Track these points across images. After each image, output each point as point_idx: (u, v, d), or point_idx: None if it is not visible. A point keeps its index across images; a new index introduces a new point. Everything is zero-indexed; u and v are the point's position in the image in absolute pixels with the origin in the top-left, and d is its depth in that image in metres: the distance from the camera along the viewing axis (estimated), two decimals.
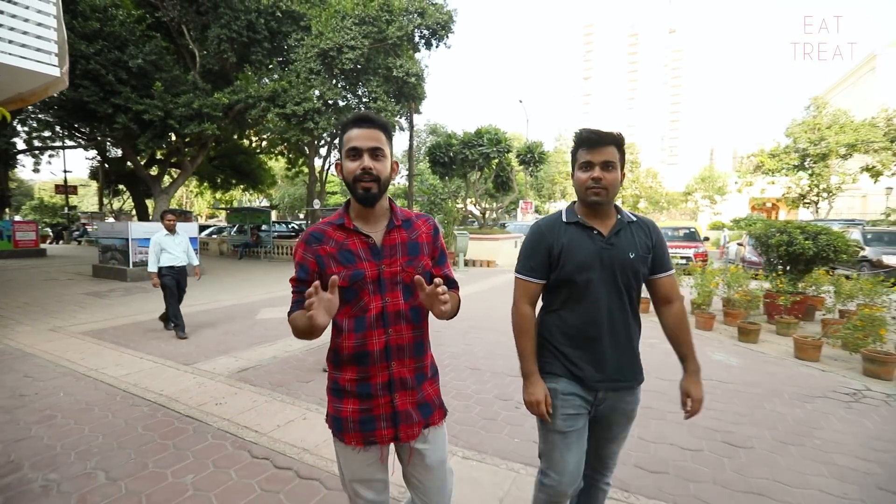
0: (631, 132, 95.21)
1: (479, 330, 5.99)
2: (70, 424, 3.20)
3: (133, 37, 10.97)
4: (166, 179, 16.41)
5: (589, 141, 1.44)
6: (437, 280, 1.19)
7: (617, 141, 1.46)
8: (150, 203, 19.94)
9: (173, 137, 11.56)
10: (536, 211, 34.44)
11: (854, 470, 2.65)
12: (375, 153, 1.27)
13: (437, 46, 11.74)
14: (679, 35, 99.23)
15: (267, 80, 11.93)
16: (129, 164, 17.86)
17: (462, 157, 16.34)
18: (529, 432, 3.08)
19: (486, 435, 3.06)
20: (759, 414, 3.43)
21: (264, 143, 22.14)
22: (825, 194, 25.69)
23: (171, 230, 5.67)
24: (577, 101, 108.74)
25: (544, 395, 1.49)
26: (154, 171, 16.65)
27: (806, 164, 25.47)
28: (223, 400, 3.64)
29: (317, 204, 16.23)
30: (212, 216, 50.54)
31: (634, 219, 1.57)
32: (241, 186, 26.92)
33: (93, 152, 21.50)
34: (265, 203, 40.87)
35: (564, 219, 1.55)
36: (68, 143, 17.83)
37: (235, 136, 16.40)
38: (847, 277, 6.63)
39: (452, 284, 1.47)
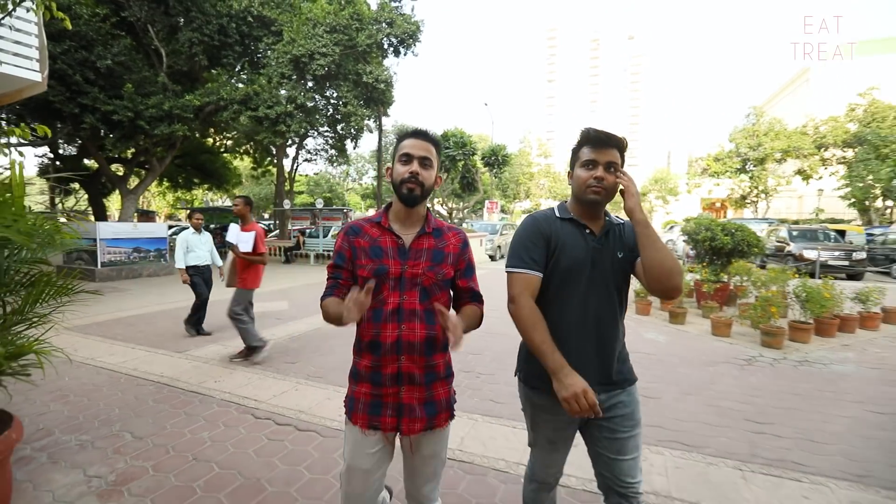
0: None
1: None
2: (84, 401, 3.61)
3: (99, 36, 10.96)
4: (133, 179, 16.18)
5: (596, 140, 1.44)
6: (446, 316, 1.29)
7: (622, 145, 1.46)
8: (111, 203, 19.45)
9: (142, 138, 11.57)
10: (502, 210, 35.46)
11: (732, 409, 3.47)
12: (424, 162, 1.41)
13: (405, 54, 12.33)
14: (638, 41, 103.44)
15: (239, 84, 12.13)
16: (85, 161, 17.45)
17: None
18: (486, 394, 3.75)
19: None
20: (672, 376, 4.24)
21: (229, 143, 21.93)
22: (763, 195, 27.86)
23: (199, 229, 5.75)
24: (541, 103, 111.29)
25: (584, 384, 1.34)
26: (119, 170, 16.37)
27: (747, 167, 27.57)
28: (220, 378, 4.12)
29: (287, 204, 16.42)
30: (171, 216, 48.99)
31: (622, 222, 1.59)
32: (205, 186, 26.51)
33: (43, 149, 20.70)
34: (228, 203, 40.09)
35: (558, 214, 1.54)
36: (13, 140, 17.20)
37: (198, 135, 16.32)
38: (763, 268, 7.71)
39: (476, 298, 1.56)
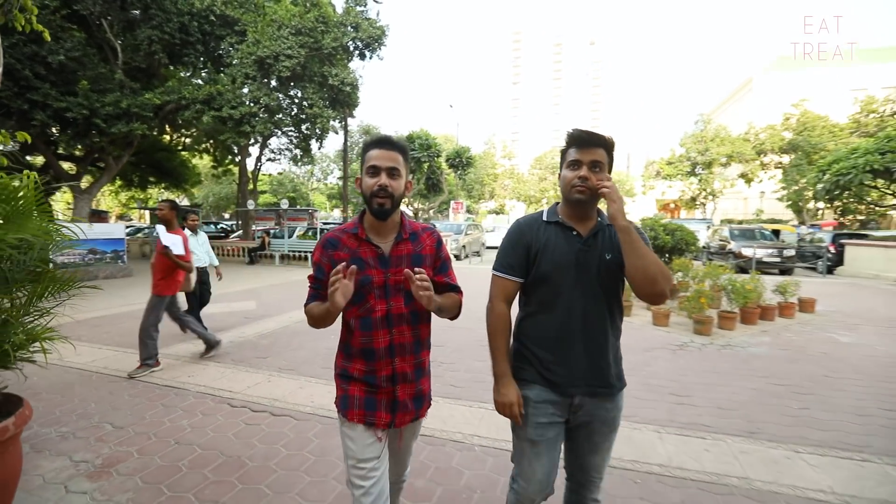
0: (556, 136, 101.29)
1: None
2: (57, 398, 3.72)
3: (49, 29, 10.58)
4: (85, 178, 15.55)
5: (580, 140, 1.45)
6: (416, 269, 1.37)
7: (607, 144, 1.46)
8: (57, 201, 18.56)
9: (97, 136, 11.23)
10: (468, 211, 36.05)
11: (660, 386, 3.99)
12: (392, 173, 1.41)
13: (370, 58, 12.55)
14: (599, 47, 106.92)
15: (200, 82, 11.97)
16: (28, 158, 16.61)
17: None
18: (447, 380, 4.12)
19: None
20: None
21: (188, 140, 21.33)
22: (711, 197, 29.68)
23: (194, 230, 5.62)
24: (506, 104, 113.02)
25: (517, 397, 1.48)
26: (72, 169, 15.70)
27: (696, 171, 29.31)
28: (194, 374, 4.29)
29: (251, 204, 16.26)
30: (122, 216, 46.79)
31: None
32: (162, 185, 25.61)
33: None
34: (186, 202, 38.74)
35: (545, 218, 1.56)
36: None
37: (156, 133, 15.86)
38: (698, 263, 8.48)
39: (454, 289, 1.59)
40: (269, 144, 19.95)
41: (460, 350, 5.01)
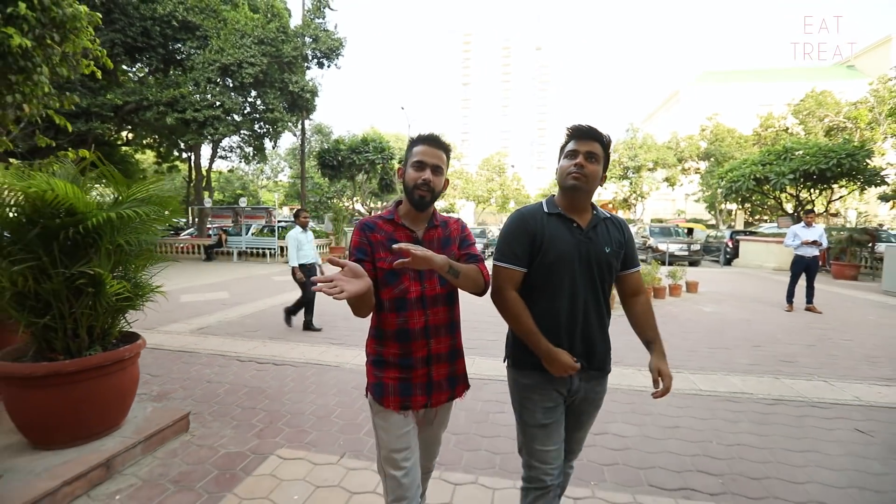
0: (505, 137, 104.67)
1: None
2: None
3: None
4: None
5: (578, 132, 1.52)
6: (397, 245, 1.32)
7: (603, 140, 1.52)
8: None
9: (52, 134, 11.27)
10: None
11: None
12: (436, 170, 1.49)
13: (328, 66, 13.42)
14: (545, 52, 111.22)
15: (153, 82, 12.27)
16: None
17: (350, 162, 18.14)
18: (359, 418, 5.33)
19: (365, 423, 5.24)
20: None
21: (131, 136, 20.77)
22: (640, 198, 32.74)
23: (305, 227, 5.87)
24: (456, 105, 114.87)
25: (568, 357, 1.50)
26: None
27: (627, 174, 32.22)
28: (197, 344, 5.22)
29: (208, 202, 16.54)
30: None
31: (608, 216, 1.65)
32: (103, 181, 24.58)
33: None
34: None
35: (546, 209, 1.58)
36: None
37: (115, 132, 15.60)
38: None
39: (474, 259, 1.59)
40: (221, 142, 20.05)
41: None
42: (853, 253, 12.48)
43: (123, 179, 2.59)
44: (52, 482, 2.18)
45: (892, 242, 12.31)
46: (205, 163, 20.05)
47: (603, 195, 35.61)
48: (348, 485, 2.43)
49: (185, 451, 2.74)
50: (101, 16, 3.65)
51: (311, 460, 2.67)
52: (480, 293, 1.55)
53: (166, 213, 2.76)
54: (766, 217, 27.48)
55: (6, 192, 2.28)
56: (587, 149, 1.50)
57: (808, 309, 7.52)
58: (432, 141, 1.51)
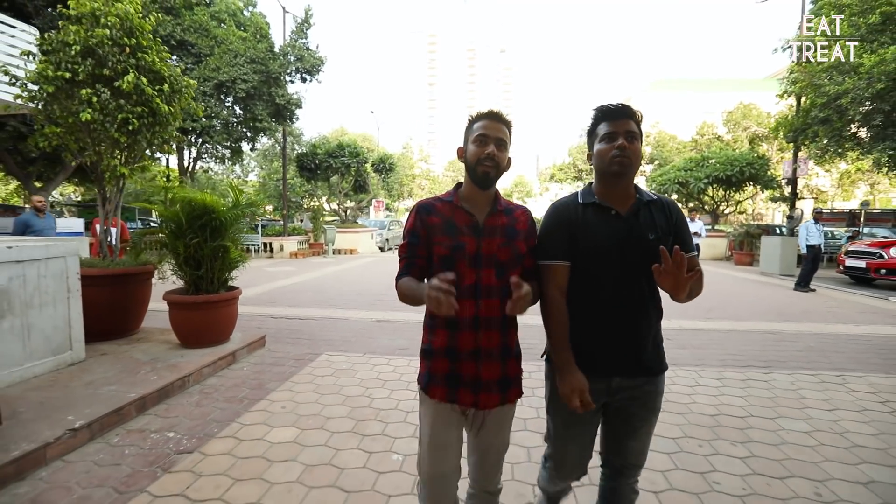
0: None
1: (359, 284, 9.98)
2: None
3: None
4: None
5: (612, 113, 1.41)
6: (517, 283, 1.21)
7: (636, 117, 1.42)
8: None
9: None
10: (387, 208, 38.99)
11: None
12: (500, 144, 1.42)
13: (311, 81, 15.08)
14: (509, 55, 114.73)
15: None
16: None
17: (326, 165, 19.76)
18: (394, 341, 7.25)
19: (371, 341, 7.16)
20: None
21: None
22: None
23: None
24: (423, 105, 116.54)
25: (580, 383, 1.38)
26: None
27: (582, 176, 35.06)
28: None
29: None
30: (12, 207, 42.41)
31: (655, 197, 1.50)
32: (71, 180, 24.99)
33: None
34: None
35: (581, 200, 1.49)
36: None
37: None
38: None
39: (536, 274, 1.50)
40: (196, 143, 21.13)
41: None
42: (749, 244, 15.33)
43: (239, 192, 4.41)
44: (196, 365, 4.00)
45: (782, 235, 15.23)
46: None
47: (560, 195, 38.46)
48: (374, 364, 4.36)
49: (269, 354, 4.59)
50: (196, 83, 5.33)
51: (347, 356, 4.58)
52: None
53: (259, 211, 4.56)
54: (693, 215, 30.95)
55: (177, 200, 4.08)
56: (626, 128, 1.39)
57: None
58: (494, 116, 1.45)
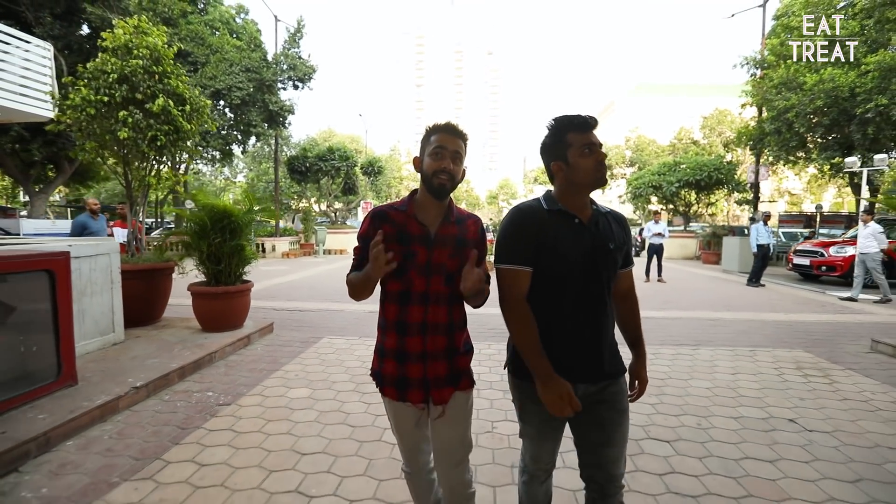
0: None
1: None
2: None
3: None
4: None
5: (586, 124, 1.41)
6: (473, 261, 1.38)
7: (596, 126, 1.46)
8: None
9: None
10: None
11: None
12: (456, 157, 1.47)
13: (302, 88, 15.76)
14: (496, 57, 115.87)
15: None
16: None
17: (317, 168, 20.42)
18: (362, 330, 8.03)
19: (365, 328, 7.92)
20: None
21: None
22: None
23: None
24: (411, 106, 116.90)
25: (565, 389, 1.35)
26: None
27: None
28: None
29: (189, 204, 18.23)
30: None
31: (608, 210, 1.56)
32: (73, 181, 25.16)
33: None
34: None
35: (545, 206, 1.46)
36: None
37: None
38: None
39: (489, 279, 1.53)
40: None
41: None
42: (716, 244, 16.42)
43: (253, 198, 5.15)
44: (220, 344, 4.74)
45: (745, 235, 16.33)
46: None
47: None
48: (368, 344, 5.13)
49: (278, 338, 5.33)
50: (210, 102, 6.05)
51: (345, 339, 5.34)
52: (479, 306, 1.49)
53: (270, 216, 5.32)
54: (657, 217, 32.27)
55: (201, 206, 4.81)
56: (597, 139, 1.40)
57: (658, 280, 10.90)
58: (451, 130, 1.48)
